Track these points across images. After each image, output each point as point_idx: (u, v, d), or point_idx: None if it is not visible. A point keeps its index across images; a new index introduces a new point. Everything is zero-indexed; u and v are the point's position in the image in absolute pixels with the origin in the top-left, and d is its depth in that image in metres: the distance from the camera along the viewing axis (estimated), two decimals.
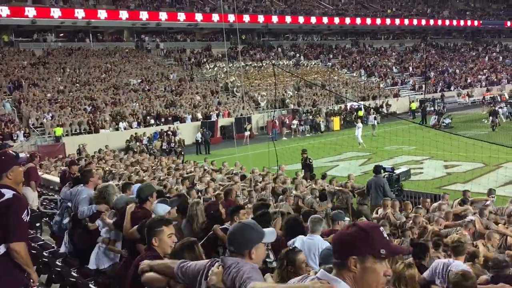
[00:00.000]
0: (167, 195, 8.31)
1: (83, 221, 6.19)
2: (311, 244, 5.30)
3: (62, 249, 6.53)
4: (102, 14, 39.76)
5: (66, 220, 6.87)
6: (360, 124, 26.45)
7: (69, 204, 6.77)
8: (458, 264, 5.05)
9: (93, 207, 6.12)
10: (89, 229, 6.07)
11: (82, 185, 6.48)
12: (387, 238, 2.08)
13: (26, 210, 3.76)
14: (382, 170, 12.00)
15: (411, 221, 8.96)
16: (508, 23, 70.08)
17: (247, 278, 2.60)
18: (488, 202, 10.03)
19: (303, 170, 16.65)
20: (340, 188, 11.95)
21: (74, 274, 5.38)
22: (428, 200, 10.78)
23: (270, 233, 3.03)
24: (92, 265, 5.82)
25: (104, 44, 42.08)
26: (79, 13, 38.66)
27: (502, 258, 5.23)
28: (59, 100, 30.36)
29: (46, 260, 6.11)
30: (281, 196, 10.79)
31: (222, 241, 5.44)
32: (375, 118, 33.94)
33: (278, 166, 14.69)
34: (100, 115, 29.25)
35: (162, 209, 5.03)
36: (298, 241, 5.25)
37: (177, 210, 6.04)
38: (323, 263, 3.67)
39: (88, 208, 6.12)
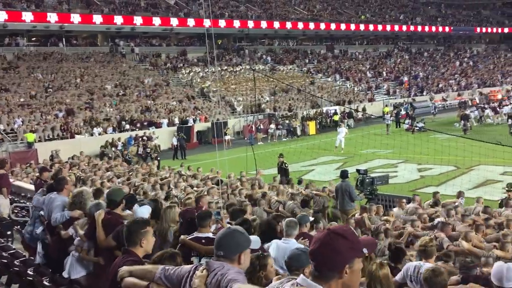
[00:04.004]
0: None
1: (57, 228, 6.07)
2: (287, 248, 5.20)
3: (37, 260, 6.37)
4: (75, 18, 39.18)
5: (39, 230, 6.71)
6: (341, 128, 26.64)
7: (42, 212, 6.63)
8: (429, 266, 5.11)
9: (65, 213, 6.01)
10: (62, 237, 5.95)
11: (55, 192, 6.37)
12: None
13: None
14: (349, 175, 12.21)
15: (387, 225, 9.11)
16: (478, 29, 71.93)
17: (232, 280, 2.63)
18: (456, 204, 10.31)
19: (279, 175, 16.75)
20: (317, 192, 12.06)
21: (46, 284, 5.26)
22: (404, 200, 10.99)
23: (256, 241, 3.12)
24: (65, 274, 5.70)
25: (77, 48, 41.47)
26: (52, 17, 37.99)
27: (469, 259, 5.34)
28: (31, 105, 29.78)
29: (17, 269, 5.96)
30: (262, 200, 10.80)
31: (196, 250, 5.30)
32: (348, 124, 34.42)
33: (256, 171, 14.71)
34: (74, 121, 28.78)
35: (146, 210, 4.99)
36: (273, 245, 5.23)
37: (152, 214, 5.90)
38: (291, 263, 3.71)
39: (61, 215, 6.01)
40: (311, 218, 7.63)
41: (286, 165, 17.04)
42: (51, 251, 6.21)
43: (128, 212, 5.83)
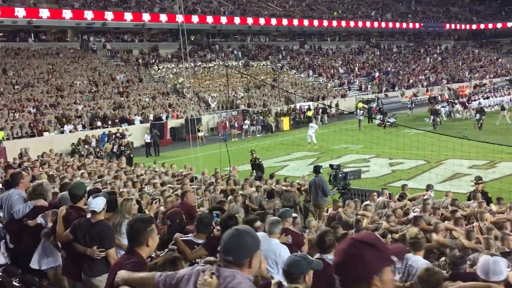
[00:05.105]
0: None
1: (23, 220, 5.99)
2: (269, 249, 5.14)
3: (2, 261, 6.26)
4: (44, 13, 38.20)
5: None
6: (312, 124, 26.80)
7: (0, 213, 6.53)
8: (418, 259, 5.13)
9: (29, 203, 6.00)
10: (29, 228, 5.89)
11: (13, 188, 6.31)
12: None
13: None
14: (321, 170, 12.35)
15: (365, 220, 9.16)
16: (447, 26, 73.42)
17: None
18: (425, 197, 10.56)
19: (254, 171, 16.84)
20: (287, 188, 12.18)
21: (16, 284, 5.16)
22: (375, 194, 11.17)
23: (264, 238, 2.90)
24: (34, 265, 5.63)
25: (46, 44, 40.51)
26: (20, 12, 36.98)
27: (458, 255, 5.31)
28: None
29: None
30: (230, 197, 10.83)
31: (183, 255, 5.10)
32: (321, 120, 34.86)
33: (231, 167, 14.71)
34: (44, 118, 28.15)
35: (101, 201, 4.90)
36: None
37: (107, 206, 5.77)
38: (291, 270, 3.54)
39: (24, 206, 5.99)
40: (294, 214, 7.66)
41: (260, 160, 17.14)
42: (16, 243, 6.11)
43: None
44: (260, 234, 2.84)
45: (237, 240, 2.56)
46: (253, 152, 17.42)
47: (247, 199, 11.15)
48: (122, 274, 3.17)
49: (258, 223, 5.58)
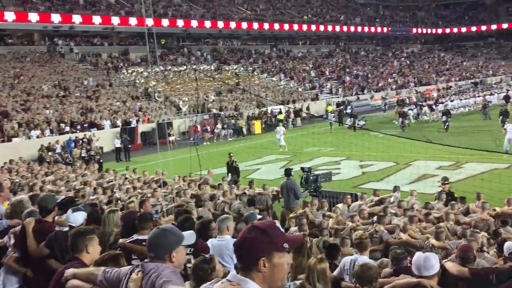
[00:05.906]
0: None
1: None
2: (222, 245, 5.30)
3: None
4: (9, 16, 37.36)
5: None
6: (279, 128, 26.90)
7: None
8: (364, 259, 5.33)
9: (3, 222, 5.76)
10: None
11: None
12: (283, 231, 2.23)
13: None
14: (293, 172, 12.43)
15: (331, 220, 9.37)
16: (414, 30, 75.11)
17: (166, 282, 2.64)
18: (391, 199, 10.84)
19: (229, 174, 16.78)
20: (260, 191, 12.22)
21: None
22: (349, 196, 11.29)
23: (190, 236, 3.06)
24: None
25: (12, 48, 39.54)
26: None
27: (400, 251, 5.58)
28: None
29: None
30: (206, 202, 10.82)
31: (137, 253, 5.12)
32: (293, 121, 35.09)
33: (201, 170, 14.66)
34: (8, 123, 27.41)
35: (81, 216, 4.74)
36: (208, 245, 5.27)
37: (88, 219, 5.42)
38: None
39: None
40: (259, 216, 7.74)
41: (237, 163, 17.12)
42: None
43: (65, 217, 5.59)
44: (187, 232, 3.08)
45: (159, 238, 2.86)
46: (231, 154, 17.36)
47: (227, 206, 11.09)
48: (71, 270, 3.37)
49: (213, 224, 5.79)
